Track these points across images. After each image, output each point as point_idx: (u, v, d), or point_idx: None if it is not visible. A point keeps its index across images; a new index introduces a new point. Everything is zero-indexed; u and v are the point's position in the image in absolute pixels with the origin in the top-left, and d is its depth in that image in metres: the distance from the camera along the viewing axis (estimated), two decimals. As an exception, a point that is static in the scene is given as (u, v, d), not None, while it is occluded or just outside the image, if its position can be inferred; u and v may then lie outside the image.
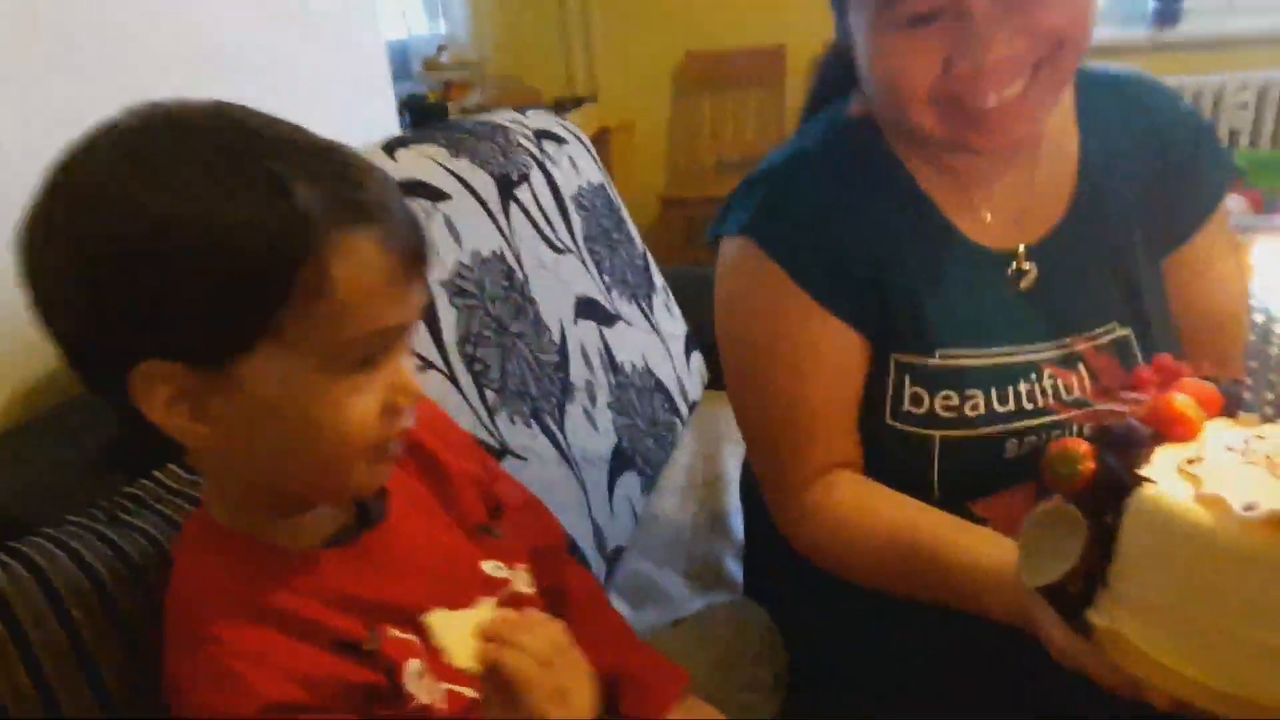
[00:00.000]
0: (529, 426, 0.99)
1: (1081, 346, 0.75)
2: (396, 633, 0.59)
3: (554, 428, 1.04)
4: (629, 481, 1.16)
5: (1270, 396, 0.49)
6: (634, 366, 1.28)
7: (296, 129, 0.52)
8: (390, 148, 1.02)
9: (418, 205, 0.95)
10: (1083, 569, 0.51)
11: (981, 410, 0.75)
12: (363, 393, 0.52)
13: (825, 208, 0.77)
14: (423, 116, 3.10)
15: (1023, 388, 0.76)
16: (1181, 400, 0.52)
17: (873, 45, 0.70)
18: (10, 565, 0.57)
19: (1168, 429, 0.51)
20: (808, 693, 0.87)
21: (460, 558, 0.66)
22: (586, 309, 1.22)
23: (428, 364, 0.86)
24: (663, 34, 3.43)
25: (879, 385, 0.79)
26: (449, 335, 0.91)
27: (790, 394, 0.79)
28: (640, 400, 1.26)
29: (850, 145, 0.79)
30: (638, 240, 1.48)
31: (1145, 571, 0.49)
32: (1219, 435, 0.51)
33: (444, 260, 0.94)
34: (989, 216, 0.78)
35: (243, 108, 0.53)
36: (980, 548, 0.66)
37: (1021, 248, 0.78)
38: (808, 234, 0.77)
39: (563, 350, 1.12)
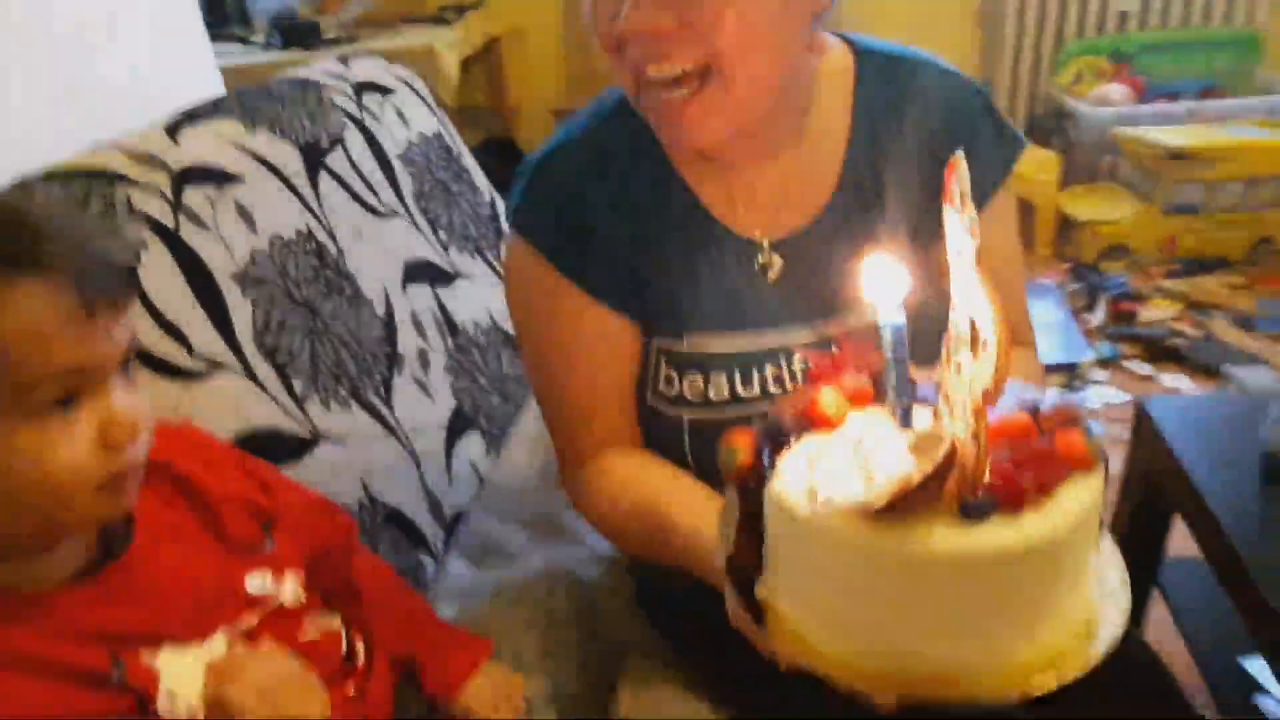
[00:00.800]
0: (346, 407, 1.00)
1: (834, 330, 0.78)
2: (147, 661, 0.62)
3: (378, 403, 1.05)
4: (471, 443, 1.18)
5: (889, 394, 0.54)
6: (476, 325, 1.28)
7: None
8: (174, 128, 0.97)
9: (201, 194, 0.92)
10: (740, 549, 0.57)
11: (725, 394, 0.79)
12: (68, 433, 0.54)
13: (584, 196, 0.78)
14: (294, 38, 2.94)
15: (769, 372, 0.78)
16: (824, 395, 0.56)
17: None
18: None
19: (813, 421, 0.56)
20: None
21: (220, 579, 0.68)
22: (418, 272, 1.21)
23: (215, 365, 0.86)
24: (551, -68, 3.26)
25: (645, 365, 0.82)
26: (242, 329, 0.90)
27: (563, 379, 0.83)
28: (485, 358, 1.27)
29: (615, 132, 0.79)
30: (484, 187, 1.46)
31: (779, 553, 0.55)
32: (856, 427, 0.55)
33: (234, 251, 0.92)
34: (748, 207, 0.79)
35: None
36: (704, 525, 0.70)
37: (766, 242, 0.79)
38: (568, 223, 0.79)
39: (388, 321, 1.12)
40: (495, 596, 0.93)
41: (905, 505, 0.47)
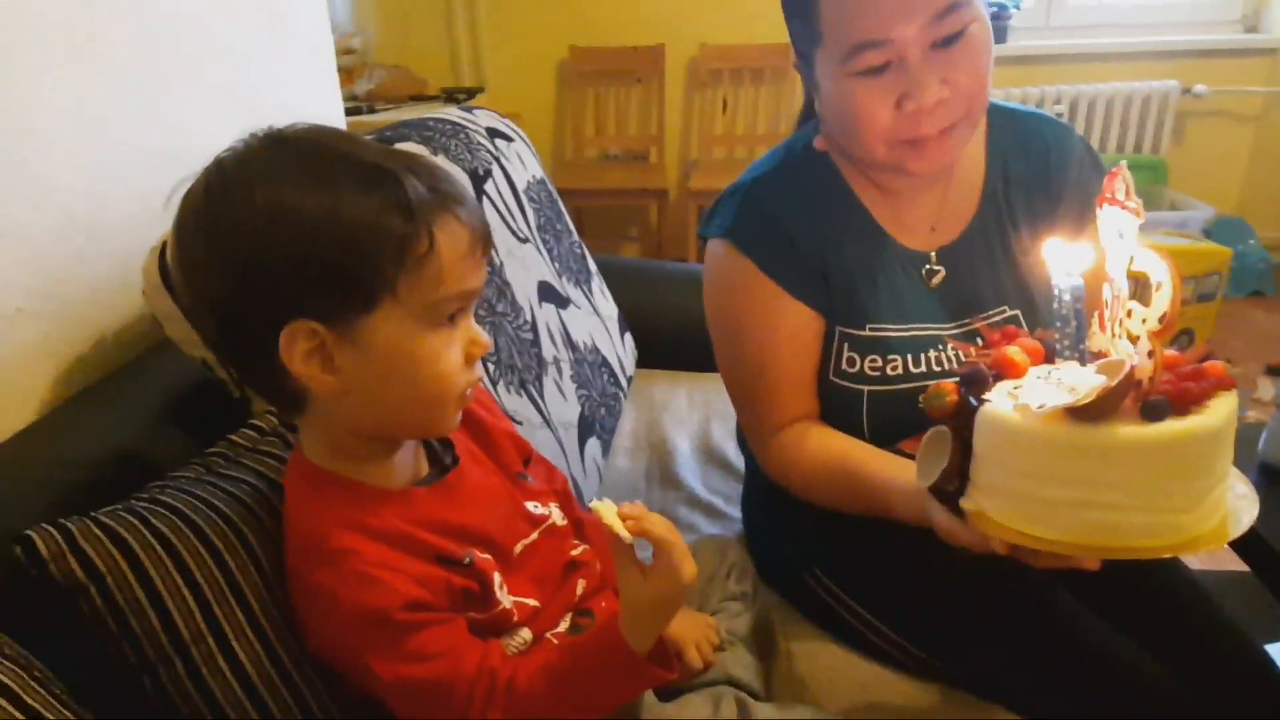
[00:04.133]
0: (520, 395, 1.12)
1: (978, 324, 0.97)
2: (479, 553, 0.72)
3: (537, 396, 1.17)
4: (593, 445, 1.31)
5: (1065, 343, 0.71)
6: (585, 345, 1.42)
7: (372, 141, 0.67)
8: (381, 145, 1.11)
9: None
10: (953, 469, 0.72)
11: (900, 371, 0.96)
12: (452, 344, 0.67)
13: (787, 216, 0.96)
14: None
15: (932, 354, 0.96)
16: (1012, 351, 0.73)
17: (835, 92, 0.89)
18: (158, 512, 0.66)
19: (1004, 370, 0.72)
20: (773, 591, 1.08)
21: (510, 498, 0.80)
22: (546, 293, 1.35)
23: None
24: (548, 28, 3.54)
25: (826, 350, 0.99)
26: (457, 314, 1.02)
27: (763, 362, 0.98)
28: (593, 375, 1.41)
29: (807, 168, 0.99)
30: (573, 230, 1.62)
31: (989, 463, 0.70)
32: (1036, 372, 0.72)
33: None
34: (911, 226, 0.99)
35: (332, 128, 0.66)
36: (895, 472, 0.86)
37: (933, 254, 0.98)
38: (774, 236, 0.96)
39: (534, 329, 1.25)
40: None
41: (1104, 405, 0.63)
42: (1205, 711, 0.88)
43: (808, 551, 1.05)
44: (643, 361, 1.70)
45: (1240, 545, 1.15)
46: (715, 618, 0.95)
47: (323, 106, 1.48)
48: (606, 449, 1.38)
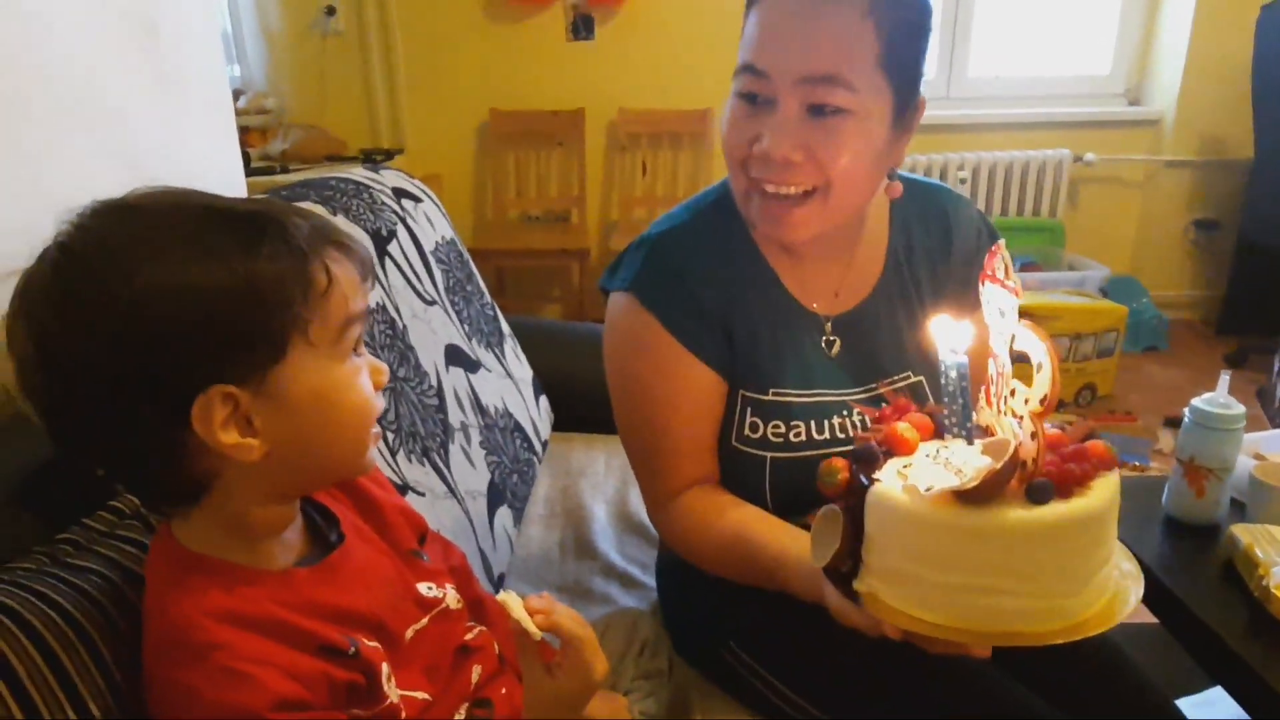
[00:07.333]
0: (422, 464, 1.06)
1: (883, 389, 0.97)
2: (365, 640, 0.66)
3: (441, 465, 1.11)
4: (504, 514, 1.25)
5: (953, 420, 0.70)
6: (496, 409, 1.38)
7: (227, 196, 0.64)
8: (274, 204, 1.06)
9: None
10: (845, 549, 0.70)
11: (803, 437, 0.95)
12: (360, 373, 0.65)
13: (693, 272, 0.95)
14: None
15: (836, 421, 0.95)
16: (902, 428, 0.72)
17: (728, 105, 0.90)
18: (-18, 608, 0.58)
19: (894, 447, 0.72)
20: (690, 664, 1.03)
21: (401, 581, 0.74)
22: (454, 356, 1.30)
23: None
24: (468, 91, 3.55)
25: (729, 414, 0.97)
26: (352, 380, 0.97)
27: (663, 423, 0.96)
28: (504, 440, 1.36)
29: (716, 224, 0.97)
30: (485, 292, 1.58)
31: (880, 545, 0.68)
32: (925, 449, 0.71)
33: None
34: (816, 290, 0.98)
35: (181, 189, 0.63)
36: (790, 545, 0.85)
37: (829, 324, 0.98)
38: (678, 293, 0.94)
39: (439, 394, 1.20)
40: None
41: (989, 488, 0.62)
42: None
43: (724, 624, 1.01)
44: (561, 425, 1.65)
45: (1150, 598, 1.16)
46: (627, 697, 0.90)
47: (221, 165, 1.42)
48: (519, 517, 1.32)
